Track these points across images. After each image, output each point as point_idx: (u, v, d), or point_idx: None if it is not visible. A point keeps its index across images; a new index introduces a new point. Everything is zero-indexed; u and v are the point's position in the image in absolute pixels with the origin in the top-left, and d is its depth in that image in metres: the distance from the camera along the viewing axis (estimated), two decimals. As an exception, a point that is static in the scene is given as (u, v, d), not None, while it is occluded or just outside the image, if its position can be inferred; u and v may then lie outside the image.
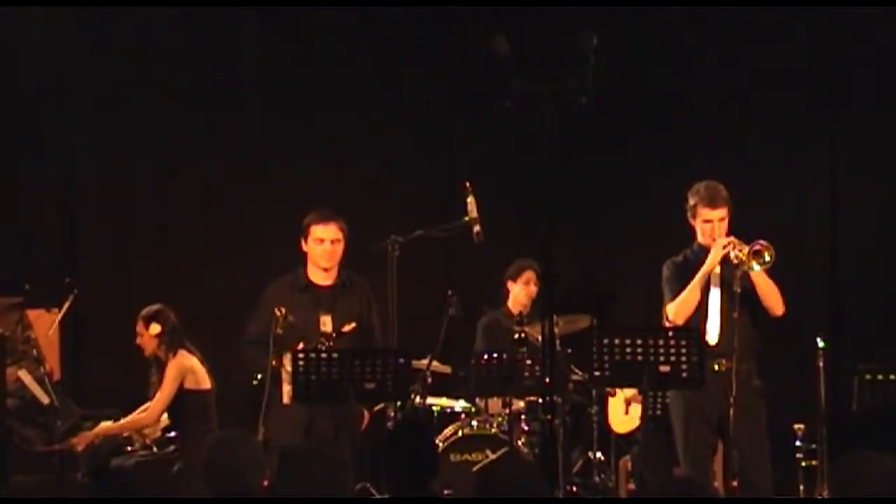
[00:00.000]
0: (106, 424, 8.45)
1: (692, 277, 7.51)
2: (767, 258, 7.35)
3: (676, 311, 7.53)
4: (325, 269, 8.08)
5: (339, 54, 10.28)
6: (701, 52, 10.28)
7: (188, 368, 8.26)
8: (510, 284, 9.62)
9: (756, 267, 7.35)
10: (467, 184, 8.37)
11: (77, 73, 10.03)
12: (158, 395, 8.27)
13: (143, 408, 8.45)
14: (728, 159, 9.85)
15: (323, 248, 8.05)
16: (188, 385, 8.25)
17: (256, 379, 7.98)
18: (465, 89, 10.15)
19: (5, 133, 9.92)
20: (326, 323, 8.03)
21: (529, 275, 9.54)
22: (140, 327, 8.38)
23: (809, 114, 10.22)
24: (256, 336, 7.95)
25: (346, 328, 7.95)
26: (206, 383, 8.29)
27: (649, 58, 10.26)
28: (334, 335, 7.91)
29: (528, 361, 8.43)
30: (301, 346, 7.74)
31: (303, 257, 8.17)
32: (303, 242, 8.12)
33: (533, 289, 9.53)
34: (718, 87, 10.25)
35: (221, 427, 8.05)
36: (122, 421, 8.44)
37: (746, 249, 7.36)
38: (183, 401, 8.26)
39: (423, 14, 10.20)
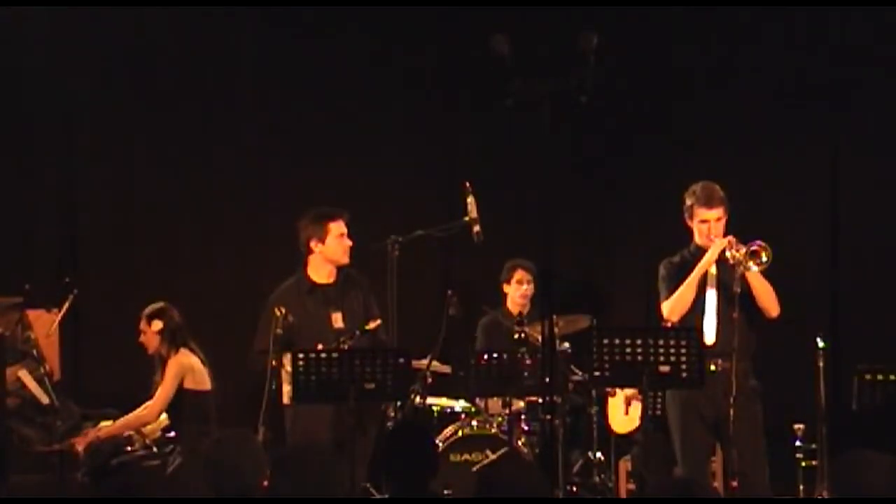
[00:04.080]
0: (107, 425, 8.43)
1: (688, 278, 7.52)
2: (765, 258, 7.35)
3: (671, 308, 7.54)
4: (342, 265, 8.07)
5: (339, 54, 10.28)
6: (700, 52, 10.28)
7: (189, 367, 8.25)
8: (505, 287, 9.64)
9: (753, 267, 7.36)
10: (467, 184, 8.37)
11: (77, 74, 10.03)
12: (159, 391, 8.27)
13: (144, 406, 8.45)
14: (728, 159, 9.86)
15: (345, 242, 8.05)
16: (187, 385, 8.25)
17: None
18: (465, 89, 10.15)
19: (5, 133, 9.93)
20: (338, 320, 8.03)
21: (521, 274, 9.55)
22: (143, 325, 8.38)
23: (809, 114, 10.22)
24: (268, 345, 7.93)
25: (372, 325, 7.94)
26: (205, 384, 8.28)
27: (650, 58, 10.26)
28: (358, 332, 7.92)
29: (528, 361, 8.43)
30: (319, 346, 7.72)
31: (304, 259, 8.14)
32: (314, 243, 8.06)
33: (527, 287, 9.53)
34: (718, 86, 10.25)
35: (221, 427, 8.03)
36: (123, 419, 8.43)
37: (744, 250, 7.37)
38: (181, 400, 8.25)
39: (424, 14, 10.19)
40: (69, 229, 10.10)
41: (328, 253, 8.07)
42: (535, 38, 8.79)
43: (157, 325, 8.31)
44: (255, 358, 7.96)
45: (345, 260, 8.08)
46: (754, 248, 7.36)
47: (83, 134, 10.13)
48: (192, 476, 7.57)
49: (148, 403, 8.41)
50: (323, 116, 10.27)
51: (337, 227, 8.05)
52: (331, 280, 8.11)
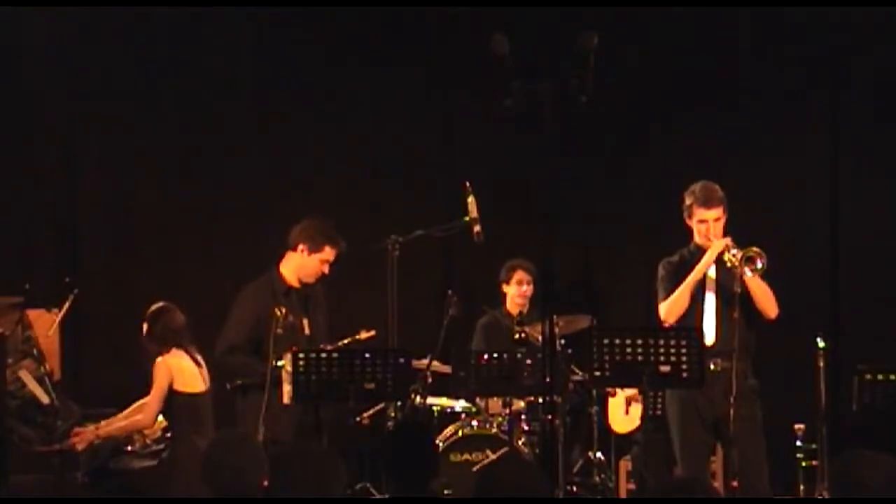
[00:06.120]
0: (105, 425, 8.41)
1: (686, 277, 7.52)
2: (759, 265, 7.36)
3: (668, 309, 7.55)
4: (304, 283, 8.12)
5: (339, 54, 10.27)
6: (701, 52, 10.27)
7: (176, 368, 8.18)
8: (504, 287, 9.63)
9: (748, 273, 7.37)
10: (467, 184, 8.37)
11: (77, 73, 10.03)
12: (151, 394, 8.23)
13: (138, 404, 8.42)
14: (728, 159, 9.86)
15: (324, 269, 8.11)
16: (177, 387, 8.18)
17: (230, 385, 8.00)
18: (465, 89, 10.15)
19: (5, 133, 9.93)
20: (306, 327, 8.08)
21: (520, 275, 9.54)
22: (143, 322, 8.41)
23: (809, 114, 10.22)
24: (243, 342, 7.96)
25: (364, 335, 7.98)
26: (196, 386, 8.21)
27: (649, 58, 10.25)
28: (349, 340, 7.96)
29: (528, 361, 8.42)
30: (294, 349, 7.72)
31: (278, 260, 8.16)
32: (303, 249, 8.10)
33: (526, 288, 9.53)
34: (718, 87, 10.24)
35: (218, 428, 8.02)
36: (121, 423, 8.40)
37: (740, 254, 7.37)
38: (173, 402, 8.22)
39: (424, 14, 10.19)
40: (69, 229, 10.10)
41: (305, 267, 8.15)
42: (535, 38, 8.78)
43: (146, 326, 8.32)
44: (223, 351, 7.99)
45: (310, 282, 8.17)
46: (749, 254, 7.37)
47: (84, 134, 10.13)
48: (187, 476, 7.55)
49: (143, 402, 8.38)
50: (323, 116, 10.27)
51: (328, 254, 8.12)
52: (299, 285, 8.16)
